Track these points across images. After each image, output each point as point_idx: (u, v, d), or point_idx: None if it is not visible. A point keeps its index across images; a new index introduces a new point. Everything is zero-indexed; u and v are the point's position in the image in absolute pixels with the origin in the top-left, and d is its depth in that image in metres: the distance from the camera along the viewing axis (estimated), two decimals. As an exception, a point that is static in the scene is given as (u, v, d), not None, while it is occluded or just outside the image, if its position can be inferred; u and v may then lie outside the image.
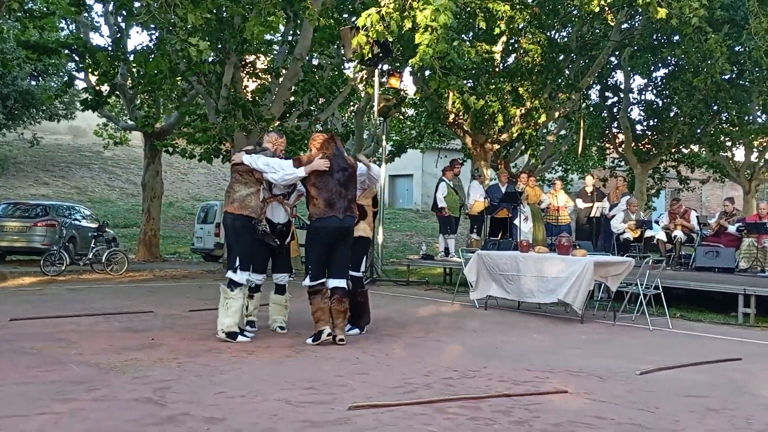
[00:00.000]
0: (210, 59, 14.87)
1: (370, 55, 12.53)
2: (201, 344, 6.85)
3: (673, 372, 6.19)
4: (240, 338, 7.02)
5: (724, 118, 21.94)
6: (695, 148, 23.81)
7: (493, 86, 16.52)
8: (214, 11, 13.37)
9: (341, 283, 7.16)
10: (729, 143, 23.83)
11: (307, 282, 7.08)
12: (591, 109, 22.48)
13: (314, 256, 7.11)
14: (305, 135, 16.04)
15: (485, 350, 7.05)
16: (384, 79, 15.08)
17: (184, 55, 12.62)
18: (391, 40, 12.76)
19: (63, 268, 14.75)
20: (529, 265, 9.65)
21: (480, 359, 6.53)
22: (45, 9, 17.15)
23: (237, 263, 7.08)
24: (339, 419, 4.43)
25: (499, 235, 14.13)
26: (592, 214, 15.01)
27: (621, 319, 9.32)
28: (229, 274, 7.12)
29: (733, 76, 19.16)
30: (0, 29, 13.68)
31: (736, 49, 17.39)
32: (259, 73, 17.44)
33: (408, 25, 11.48)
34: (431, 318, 9.48)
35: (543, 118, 16.78)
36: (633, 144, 22.16)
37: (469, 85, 16.58)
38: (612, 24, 17.19)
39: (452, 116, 17.54)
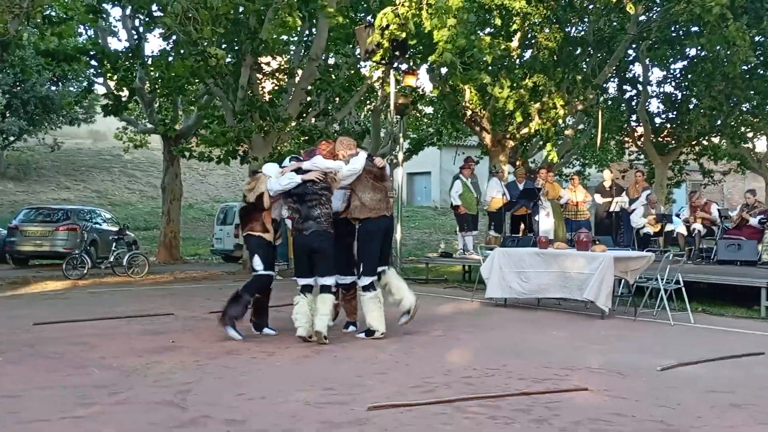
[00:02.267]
0: (227, 60, 14.94)
1: (385, 55, 12.54)
2: (221, 346, 6.89)
3: (695, 367, 6.14)
4: None
5: (744, 109, 21.67)
6: (716, 140, 23.51)
7: (511, 82, 16.43)
8: (231, 11, 13.42)
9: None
10: (750, 134, 23.55)
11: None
12: (609, 102, 22.29)
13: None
14: (323, 134, 16.07)
15: (505, 348, 7.03)
16: (401, 77, 15.00)
17: (202, 60, 12.79)
18: (405, 36, 12.76)
19: (85, 271, 14.88)
20: (549, 261, 9.58)
21: (499, 357, 6.51)
22: (63, 15, 17.31)
23: None
24: (358, 419, 4.45)
25: (520, 232, 14.07)
26: (611, 209, 14.89)
27: (642, 315, 9.22)
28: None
29: (755, 66, 18.87)
30: (19, 36, 13.83)
31: (757, 39, 17.15)
32: (276, 74, 17.48)
33: (427, 23, 11.50)
34: (450, 316, 9.47)
35: (561, 112, 16.66)
36: (652, 137, 21.98)
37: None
38: (631, 13, 17.01)
39: (470, 113, 17.47)
